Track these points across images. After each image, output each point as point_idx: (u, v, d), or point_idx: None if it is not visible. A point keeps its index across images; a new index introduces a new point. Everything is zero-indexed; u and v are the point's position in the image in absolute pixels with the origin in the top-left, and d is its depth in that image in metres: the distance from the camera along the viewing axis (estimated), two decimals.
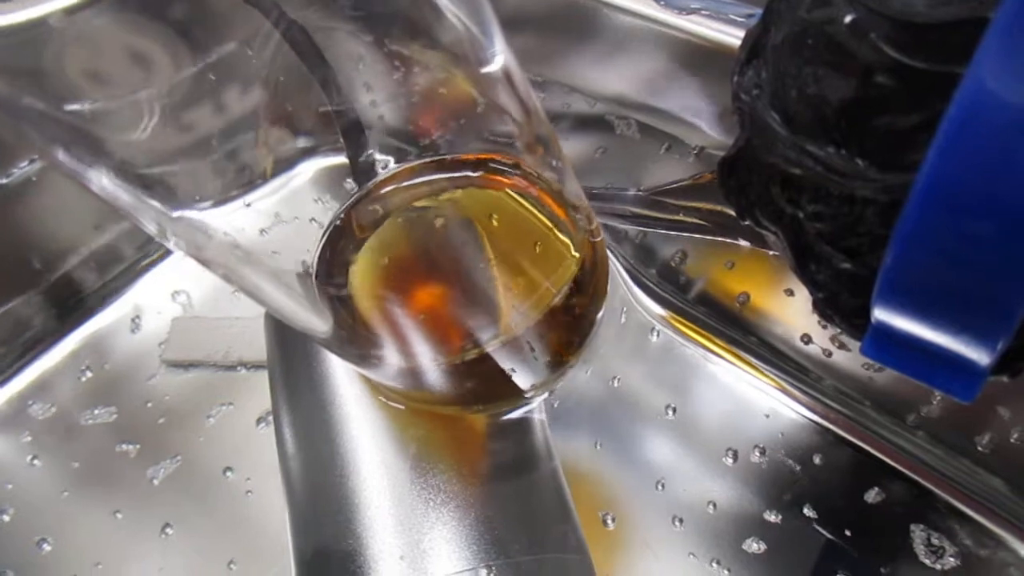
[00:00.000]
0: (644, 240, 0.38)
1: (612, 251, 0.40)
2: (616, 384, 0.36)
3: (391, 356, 0.25)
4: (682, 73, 0.33)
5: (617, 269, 0.39)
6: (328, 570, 0.27)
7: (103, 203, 0.42)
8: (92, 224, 0.41)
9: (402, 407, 0.27)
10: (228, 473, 0.36)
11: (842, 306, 0.24)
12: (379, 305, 0.26)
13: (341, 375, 0.30)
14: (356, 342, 0.25)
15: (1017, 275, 0.17)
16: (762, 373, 0.35)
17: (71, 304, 0.41)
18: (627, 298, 0.38)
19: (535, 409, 0.30)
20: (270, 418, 0.36)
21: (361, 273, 0.27)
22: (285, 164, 0.28)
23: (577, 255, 0.25)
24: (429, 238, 0.27)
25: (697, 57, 0.31)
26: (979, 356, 0.19)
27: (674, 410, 0.35)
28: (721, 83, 0.31)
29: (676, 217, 0.34)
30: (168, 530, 0.34)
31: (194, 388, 0.38)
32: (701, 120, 0.34)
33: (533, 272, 0.25)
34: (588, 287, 0.26)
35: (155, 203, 0.19)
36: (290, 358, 0.32)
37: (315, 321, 0.25)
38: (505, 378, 0.26)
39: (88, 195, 0.40)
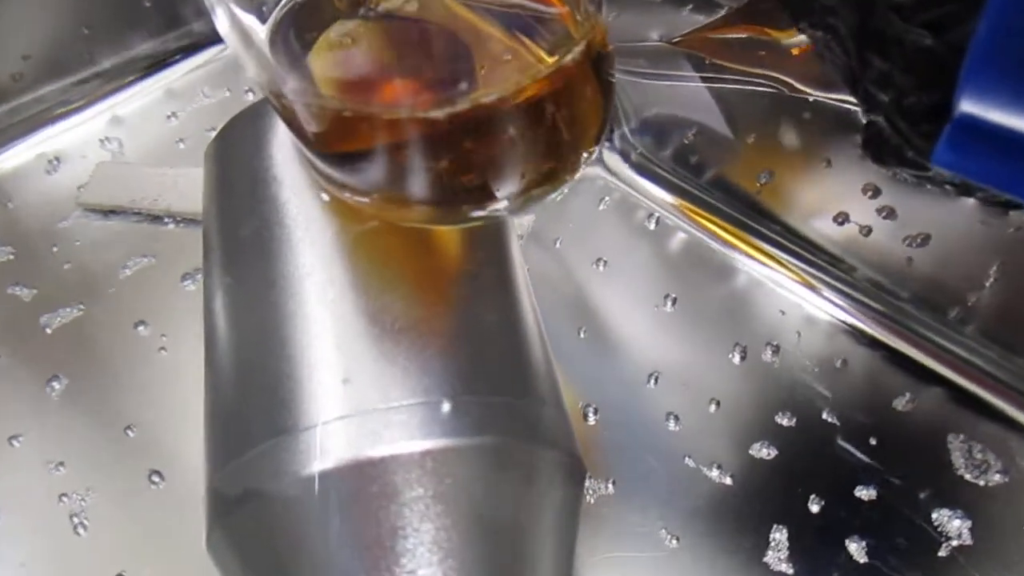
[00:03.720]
0: (657, 117, 0.33)
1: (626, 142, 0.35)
2: (603, 268, 0.32)
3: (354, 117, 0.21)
4: None
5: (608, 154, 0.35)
6: (248, 400, 0.21)
7: (34, 32, 0.36)
8: (20, 55, 0.36)
9: (366, 200, 0.22)
10: (140, 328, 0.30)
11: (910, 110, 0.20)
12: (341, 64, 0.22)
13: (290, 196, 0.25)
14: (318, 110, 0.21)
15: None
16: (781, 263, 0.31)
17: None
18: (615, 185, 0.34)
19: (512, 249, 0.26)
20: (198, 276, 0.31)
21: (325, 44, 0.23)
22: None
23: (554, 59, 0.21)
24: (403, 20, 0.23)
25: None
26: None
27: (674, 301, 0.30)
28: None
29: (701, 74, 0.29)
30: (55, 384, 0.28)
31: (112, 236, 0.33)
32: None
33: (514, 60, 0.22)
34: (570, 108, 0.23)
35: None
36: (233, 185, 0.27)
37: None
38: (482, 175, 0.22)
39: (19, 21, 0.35)
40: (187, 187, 0.33)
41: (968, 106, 0.17)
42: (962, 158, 0.18)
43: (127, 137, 0.36)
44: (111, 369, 0.29)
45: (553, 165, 0.24)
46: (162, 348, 0.30)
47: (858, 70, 0.21)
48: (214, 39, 0.40)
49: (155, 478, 0.27)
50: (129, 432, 0.28)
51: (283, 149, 0.26)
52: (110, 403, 0.28)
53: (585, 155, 0.24)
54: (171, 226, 0.33)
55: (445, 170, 0.22)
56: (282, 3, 0.23)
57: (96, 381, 0.29)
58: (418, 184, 0.22)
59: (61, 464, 0.27)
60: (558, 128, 0.23)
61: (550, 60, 0.21)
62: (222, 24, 0.21)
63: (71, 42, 0.37)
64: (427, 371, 0.21)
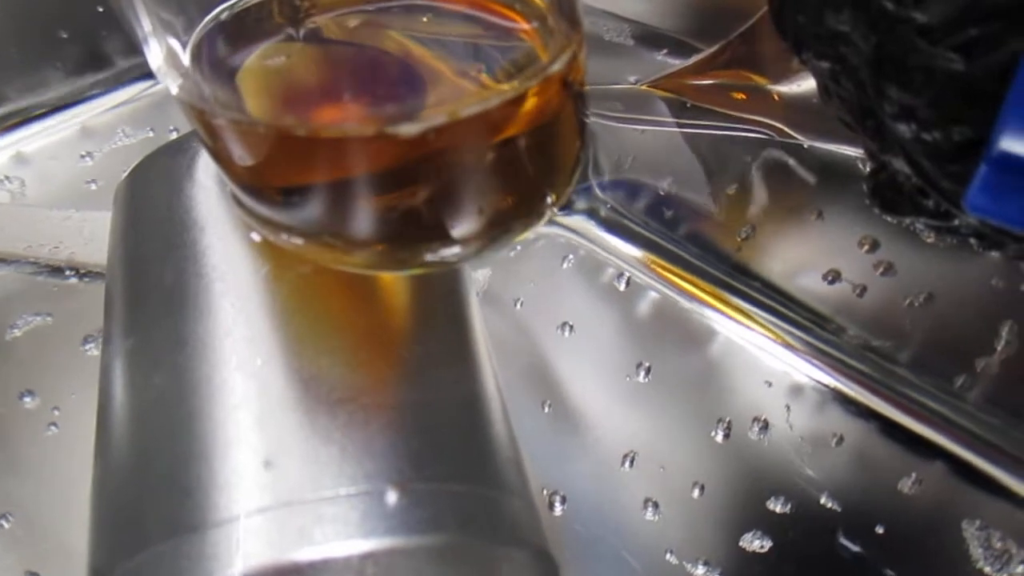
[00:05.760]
0: (629, 167, 0.31)
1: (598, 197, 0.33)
2: (568, 333, 0.29)
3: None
4: None
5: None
6: (145, 487, 0.18)
7: None
8: None
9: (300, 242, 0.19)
10: (27, 399, 0.26)
11: (936, 148, 0.18)
12: (280, 83, 0.19)
13: (212, 241, 0.22)
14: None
15: None
16: (764, 326, 0.28)
17: None
18: (579, 242, 0.32)
19: (471, 308, 0.23)
20: (102, 338, 0.27)
21: (260, 64, 0.20)
22: None
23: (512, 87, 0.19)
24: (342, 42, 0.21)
25: None
26: None
27: (648, 370, 0.27)
28: None
29: (679, 119, 0.27)
30: None
31: (1, 290, 0.29)
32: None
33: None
34: (534, 139, 0.20)
35: None
36: (144, 229, 0.23)
37: None
38: (433, 212, 0.19)
39: None
40: (95, 233, 0.29)
41: (1009, 143, 0.15)
42: (1000, 202, 0.16)
43: (32, 177, 0.33)
44: None
45: (514, 204, 0.21)
46: (52, 424, 0.26)
47: (875, 103, 0.19)
48: (138, 75, 0.36)
49: None
50: (4, 523, 0.24)
51: (205, 189, 0.22)
52: None
53: (552, 198, 0.21)
54: (73, 279, 0.29)
55: (390, 202, 0.19)
56: (205, 22, 0.20)
57: None
58: (362, 219, 0.19)
59: None
60: (521, 160, 0.20)
61: (508, 85, 0.19)
62: (154, 54, 0.19)
63: None
64: (369, 452, 0.17)
